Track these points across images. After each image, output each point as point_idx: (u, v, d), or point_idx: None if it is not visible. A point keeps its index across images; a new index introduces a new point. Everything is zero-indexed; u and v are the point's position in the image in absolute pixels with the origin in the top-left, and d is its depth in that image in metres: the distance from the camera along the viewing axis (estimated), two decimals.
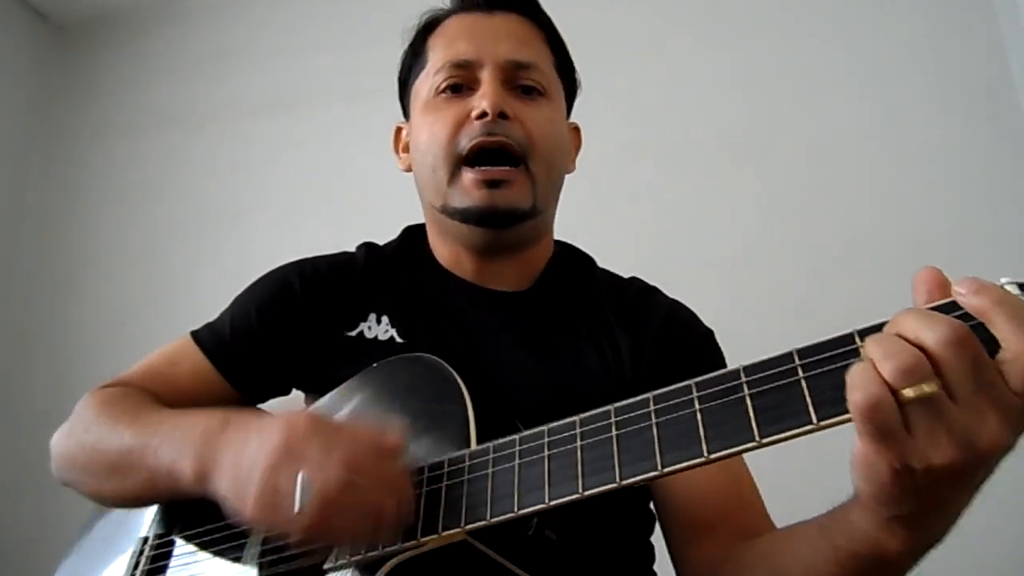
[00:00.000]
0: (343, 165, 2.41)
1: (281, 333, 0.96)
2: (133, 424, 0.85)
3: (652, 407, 0.57)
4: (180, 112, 2.65)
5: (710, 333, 0.98)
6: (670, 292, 1.02)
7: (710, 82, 2.17)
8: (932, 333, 0.47)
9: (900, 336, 0.49)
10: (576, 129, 1.08)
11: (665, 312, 0.97)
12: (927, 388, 0.47)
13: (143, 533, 0.90)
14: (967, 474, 0.49)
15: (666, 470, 0.54)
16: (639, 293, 1.00)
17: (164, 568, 0.85)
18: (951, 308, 0.49)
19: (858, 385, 0.48)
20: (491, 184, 0.91)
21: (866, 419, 0.47)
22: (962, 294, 0.49)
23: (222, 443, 0.74)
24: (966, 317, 0.48)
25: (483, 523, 0.64)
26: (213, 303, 1.04)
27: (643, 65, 2.20)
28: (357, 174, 2.37)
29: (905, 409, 0.47)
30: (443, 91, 0.95)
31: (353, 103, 2.44)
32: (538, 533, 0.76)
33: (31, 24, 2.76)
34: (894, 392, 0.47)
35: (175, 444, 0.78)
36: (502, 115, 0.91)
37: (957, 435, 0.47)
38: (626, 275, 1.05)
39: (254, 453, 0.68)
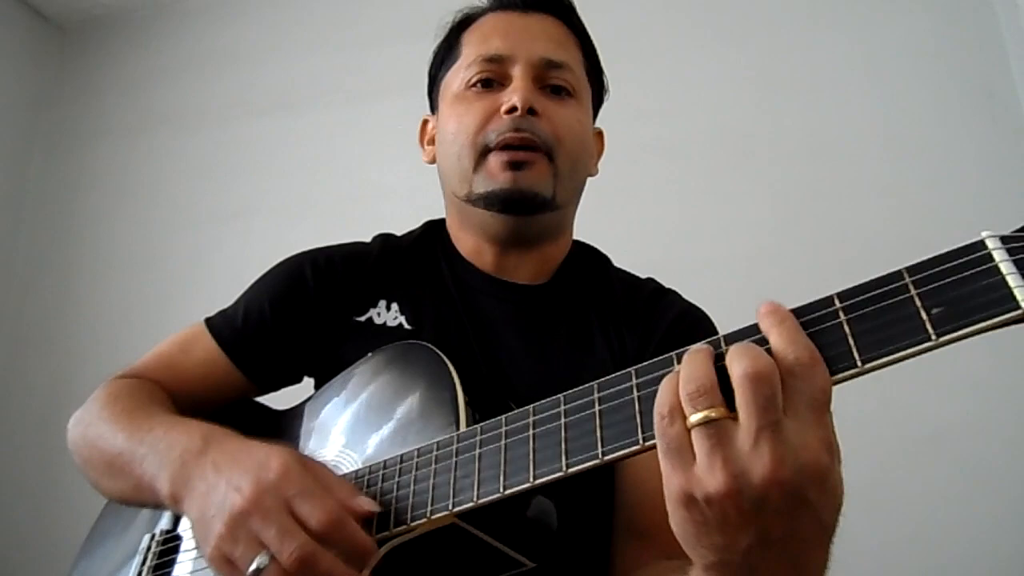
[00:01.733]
0: (343, 165, 2.42)
1: (293, 324, 0.97)
2: (128, 426, 0.86)
3: (634, 380, 0.57)
4: (179, 112, 2.65)
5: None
6: (677, 291, 1.02)
7: (715, 82, 2.17)
8: (738, 364, 0.49)
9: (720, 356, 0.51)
10: (600, 134, 1.09)
11: (675, 314, 0.96)
12: (712, 414, 0.48)
13: (151, 529, 0.91)
14: (748, 515, 0.48)
15: (647, 444, 0.53)
16: (652, 294, 1.00)
17: (171, 563, 0.85)
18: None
19: (659, 397, 0.51)
20: (515, 166, 0.91)
21: (660, 433, 0.50)
22: (759, 313, 0.52)
23: (196, 473, 0.73)
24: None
25: (471, 505, 0.63)
26: (212, 303, 1.04)
27: (650, 65, 2.20)
28: (356, 173, 2.38)
29: (691, 433, 0.49)
30: (474, 84, 0.96)
31: (352, 103, 2.45)
32: (535, 513, 0.75)
33: (31, 24, 2.77)
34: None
35: (157, 458, 0.79)
36: (531, 111, 0.92)
37: (732, 463, 0.48)
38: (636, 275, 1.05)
39: (221, 500, 0.68)
